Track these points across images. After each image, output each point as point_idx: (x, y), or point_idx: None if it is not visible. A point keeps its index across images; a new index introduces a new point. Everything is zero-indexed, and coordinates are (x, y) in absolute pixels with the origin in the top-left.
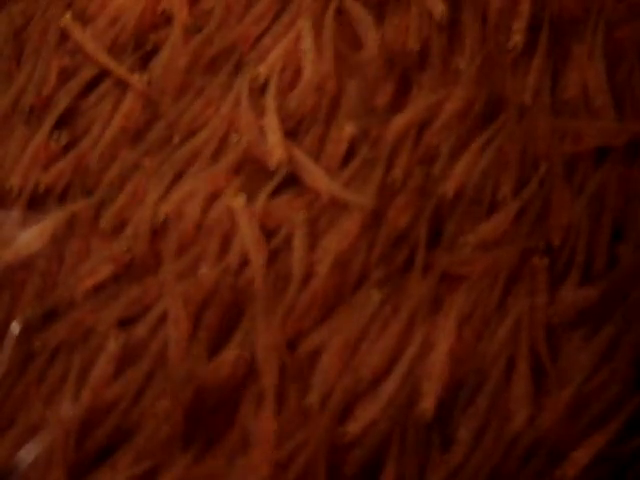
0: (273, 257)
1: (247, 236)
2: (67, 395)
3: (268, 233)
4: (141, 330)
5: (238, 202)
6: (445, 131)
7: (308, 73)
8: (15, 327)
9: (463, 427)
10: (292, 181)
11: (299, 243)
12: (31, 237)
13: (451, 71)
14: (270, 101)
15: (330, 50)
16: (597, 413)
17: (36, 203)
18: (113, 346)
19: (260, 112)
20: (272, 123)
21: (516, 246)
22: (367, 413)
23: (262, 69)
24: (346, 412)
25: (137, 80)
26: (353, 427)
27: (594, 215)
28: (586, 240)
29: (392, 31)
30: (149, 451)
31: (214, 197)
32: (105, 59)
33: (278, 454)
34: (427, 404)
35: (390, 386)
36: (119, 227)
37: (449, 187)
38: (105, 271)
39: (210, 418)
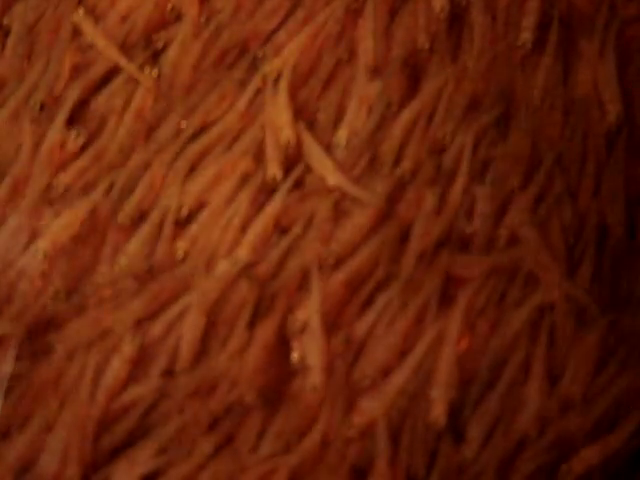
0: (288, 251)
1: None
2: (83, 395)
3: (284, 228)
4: (158, 328)
5: None
6: (453, 124)
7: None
8: (20, 327)
9: (474, 423)
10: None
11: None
12: (54, 231)
13: (459, 67)
14: (283, 85)
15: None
16: (607, 409)
17: (53, 202)
18: (128, 349)
19: (274, 101)
20: (282, 105)
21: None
22: (373, 405)
23: (277, 62)
24: (352, 405)
25: (147, 75)
26: (358, 419)
27: (607, 208)
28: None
29: (402, 29)
30: (169, 447)
31: (233, 189)
32: (116, 55)
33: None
34: (438, 411)
35: (397, 380)
36: (137, 220)
37: (459, 182)
38: (126, 288)
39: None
